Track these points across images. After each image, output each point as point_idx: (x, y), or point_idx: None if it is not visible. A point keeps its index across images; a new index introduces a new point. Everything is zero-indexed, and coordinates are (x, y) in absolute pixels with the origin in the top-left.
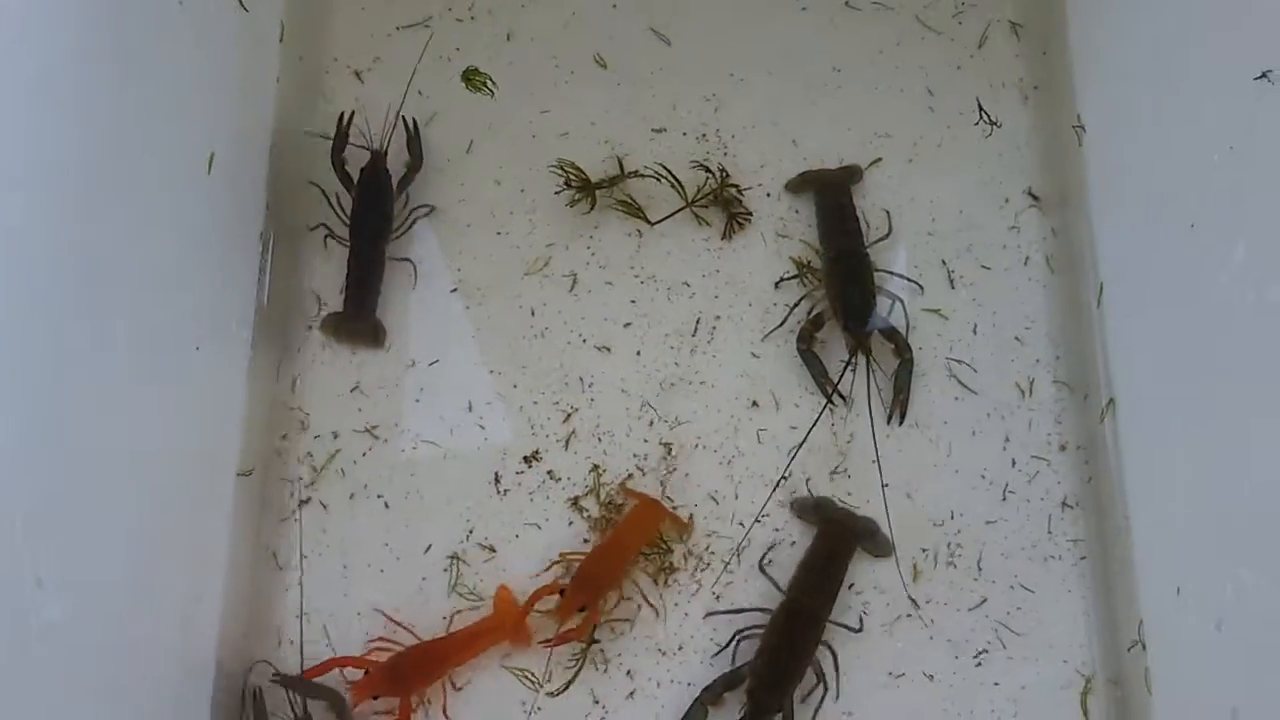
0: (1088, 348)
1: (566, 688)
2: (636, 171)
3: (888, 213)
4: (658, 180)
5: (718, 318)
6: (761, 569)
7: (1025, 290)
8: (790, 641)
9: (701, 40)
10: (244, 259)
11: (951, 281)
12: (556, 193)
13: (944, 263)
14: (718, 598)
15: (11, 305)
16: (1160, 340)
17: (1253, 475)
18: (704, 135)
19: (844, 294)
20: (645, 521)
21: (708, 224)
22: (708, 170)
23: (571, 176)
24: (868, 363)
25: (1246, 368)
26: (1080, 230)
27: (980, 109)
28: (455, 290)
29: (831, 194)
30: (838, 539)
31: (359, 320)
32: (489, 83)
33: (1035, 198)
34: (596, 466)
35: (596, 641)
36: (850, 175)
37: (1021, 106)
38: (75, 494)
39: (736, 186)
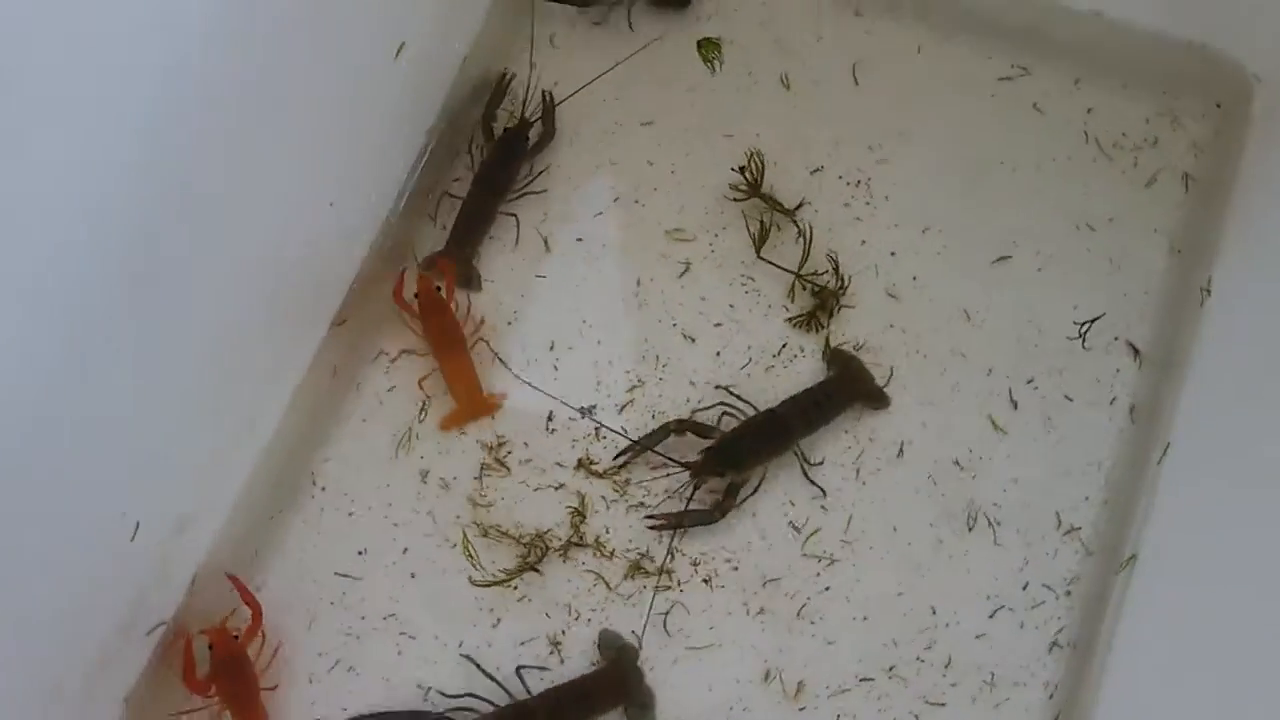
0: (1133, 500)
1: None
2: (792, 213)
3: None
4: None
5: (802, 349)
6: None
7: (1097, 430)
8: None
9: (888, 92)
10: (403, 149)
11: (1020, 402)
12: (732, 190)
13: (1031, 380)
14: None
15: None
16: (1205, 514)
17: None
18: (857, 182)
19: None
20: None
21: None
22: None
23: (749, 175)
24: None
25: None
26: (1172, 387)
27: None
28: (580, 240)
29: (839, 389)
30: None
31: (456, 260)
32: (718, 57)
33: (1136, 350)
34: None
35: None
36: (874, 399)
37: (1163, 256)
38: None
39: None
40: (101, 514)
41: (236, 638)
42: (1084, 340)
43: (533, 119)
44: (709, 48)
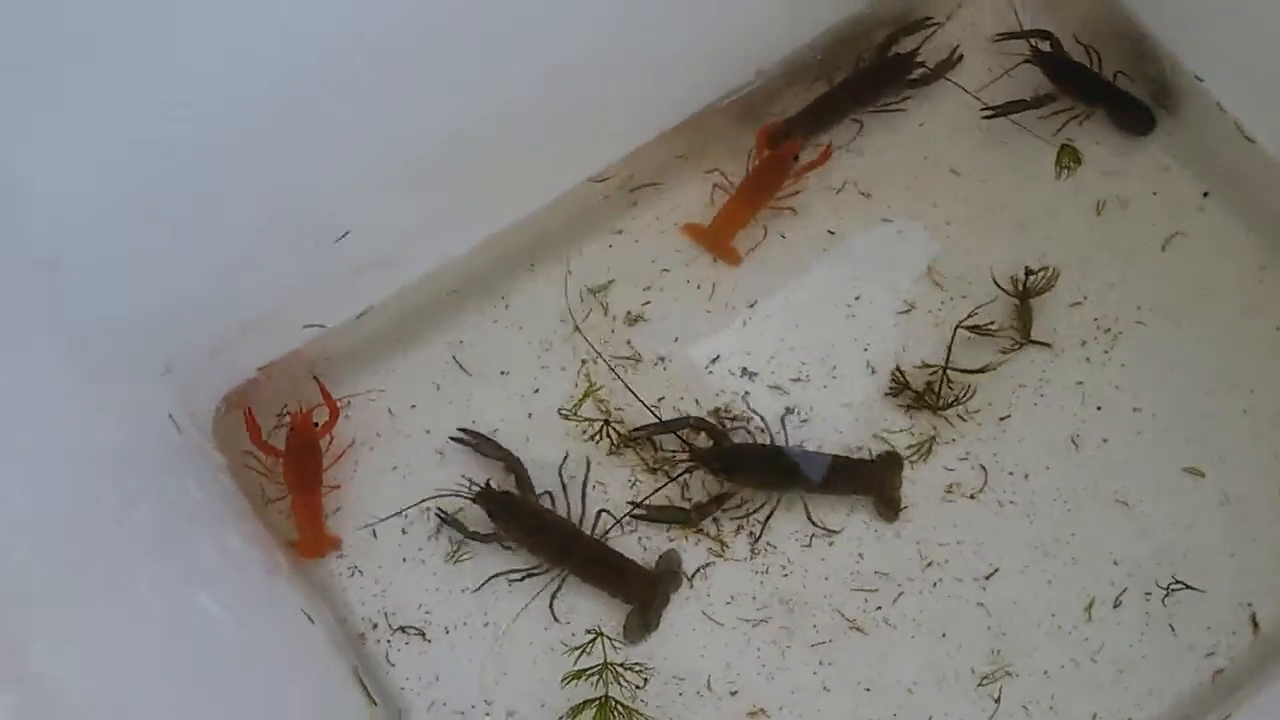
0: None
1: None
2: (1028, 330)
3: None
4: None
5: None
6: None
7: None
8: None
9: (1187, 272)
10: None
11: (1124, 603)
12: (1001, 279)
13: (1147, 592)
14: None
15: None
16: None
17: None
18: (1107, 330)
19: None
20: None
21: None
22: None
23: (1027, 284)
24: None
25: None
26: None
27: None
28: (832, 232)
29: (859, 474)
30: None
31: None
32: (1071, 167)
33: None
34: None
35: None
36: (886, 505)
37: None
38: None
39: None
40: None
41: (317, 425)
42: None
43: (921, 60)
44: (1068, 154)
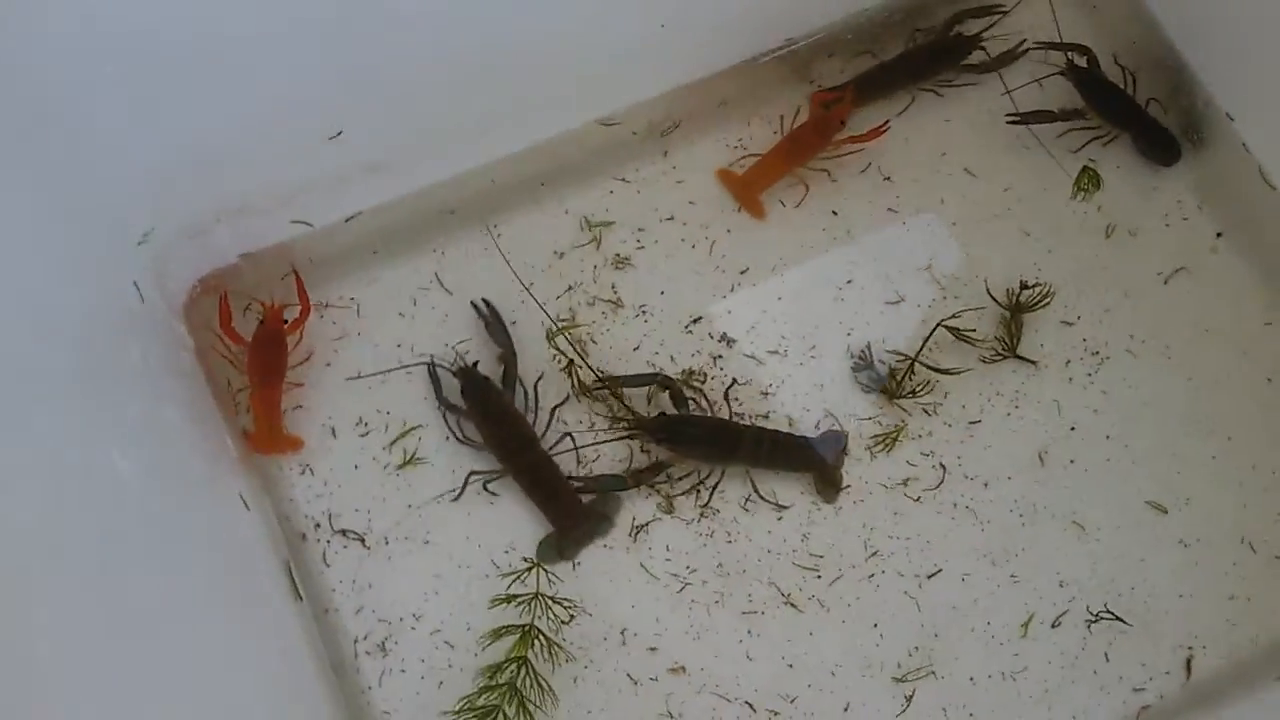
0: None
1: None
2: (1015, 344)
3: None
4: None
5: (905, 434)
6: None
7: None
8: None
9: (1186, 306)
10: None
11: (1064, 625)
12: (995, 291)
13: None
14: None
15: None
16: None
17: None
18: (1095, 353)
19: None
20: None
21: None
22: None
23: (1021, 297)
24: None
25: None
26: None
27: None
28: (836, 214)
29: (803, 452)
30: None
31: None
32: (1089, 191)
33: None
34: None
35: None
36: (826, 485)
37: None
38: None
39: None
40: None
41: (286, 321)
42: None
43: (983, 44)
44: (1089, 177)
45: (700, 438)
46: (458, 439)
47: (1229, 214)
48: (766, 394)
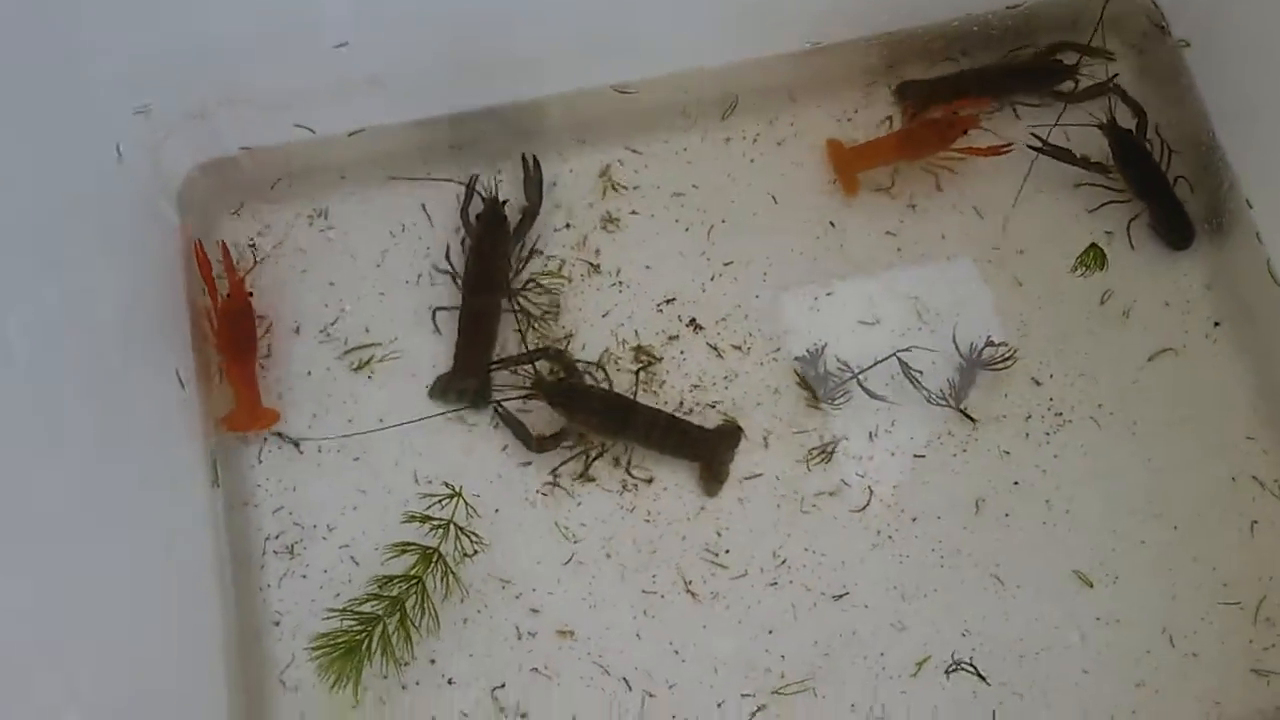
0: None
1: None
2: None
3: None
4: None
5: (835, 442)
6: None
7: None
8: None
9: (1163, 389)
10: None
11: None
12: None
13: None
14: None
15: None
16: None
17: None
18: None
19: None
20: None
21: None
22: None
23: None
24: None
25: None
26: None
27: None
28: (832, 226)
29: (696, 442)
30: None
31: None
32: (1091, 268)
33: None
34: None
35: None
36: (711, 476)
37: None
38: None
39: None
40: None
41: (251, 295)
42: None
43: (1078, 76)
44: (1093, 256)
45: (595, 408)
46: (445, 259)
47: (1231, 304)
48: (710, 386)
